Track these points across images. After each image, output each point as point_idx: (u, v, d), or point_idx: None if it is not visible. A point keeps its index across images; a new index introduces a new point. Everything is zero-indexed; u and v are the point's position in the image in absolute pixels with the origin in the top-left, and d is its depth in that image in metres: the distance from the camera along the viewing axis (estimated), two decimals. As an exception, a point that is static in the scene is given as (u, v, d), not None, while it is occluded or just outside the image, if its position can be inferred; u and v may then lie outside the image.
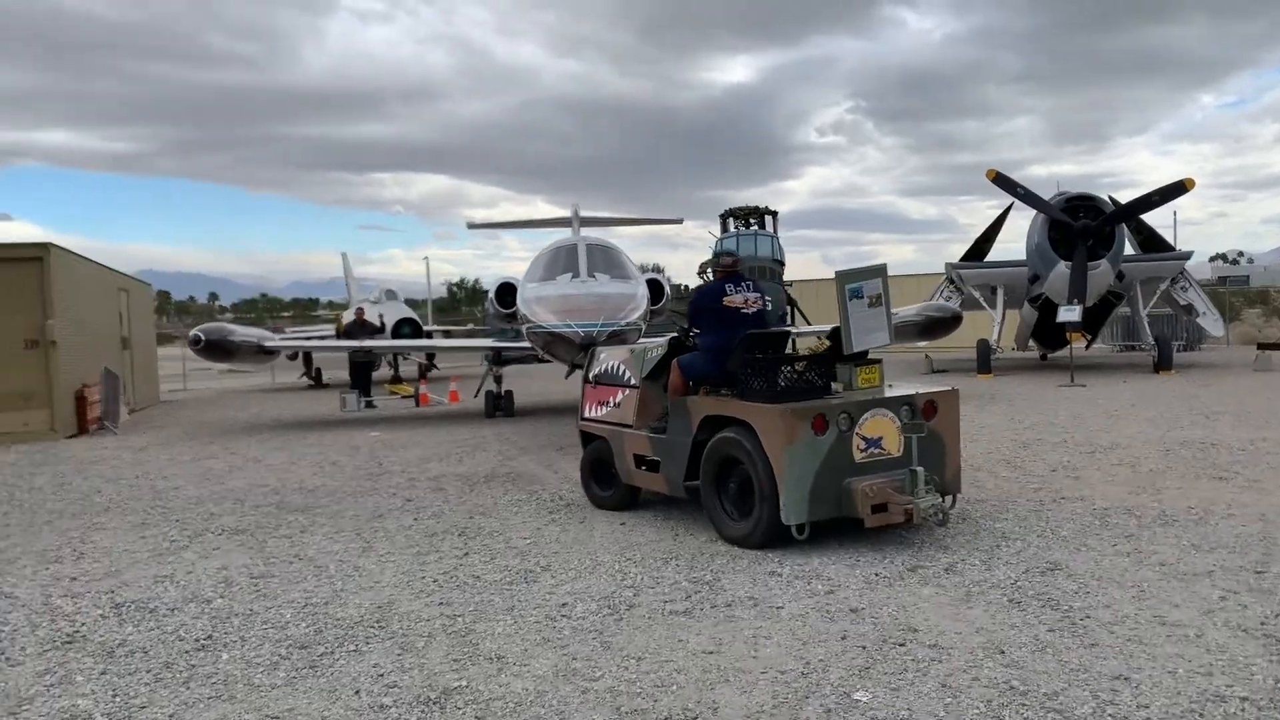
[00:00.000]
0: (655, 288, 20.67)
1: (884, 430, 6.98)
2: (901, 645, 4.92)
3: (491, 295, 19.13)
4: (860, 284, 7.50)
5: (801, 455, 6.66)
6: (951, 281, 24.69)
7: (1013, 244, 23.42)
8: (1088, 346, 27.42)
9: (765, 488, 6.75)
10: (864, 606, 5.55)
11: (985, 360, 22.64)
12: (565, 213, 24.44)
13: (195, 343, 16.79)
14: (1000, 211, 25.22)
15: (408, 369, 27.24)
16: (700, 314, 7.86)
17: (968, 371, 23.12)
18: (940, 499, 6.89)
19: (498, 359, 18.03)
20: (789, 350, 7.84)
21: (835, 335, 7.56)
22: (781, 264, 28.50)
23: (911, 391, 7.38)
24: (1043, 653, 4.73)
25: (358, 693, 4.59)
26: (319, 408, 20.47)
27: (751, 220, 30.95)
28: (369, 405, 20.02)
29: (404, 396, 21.23)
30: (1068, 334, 20.43)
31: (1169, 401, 15.45)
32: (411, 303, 33.32)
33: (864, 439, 6.89)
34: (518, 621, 5.53)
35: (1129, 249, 23.48)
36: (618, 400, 8.52)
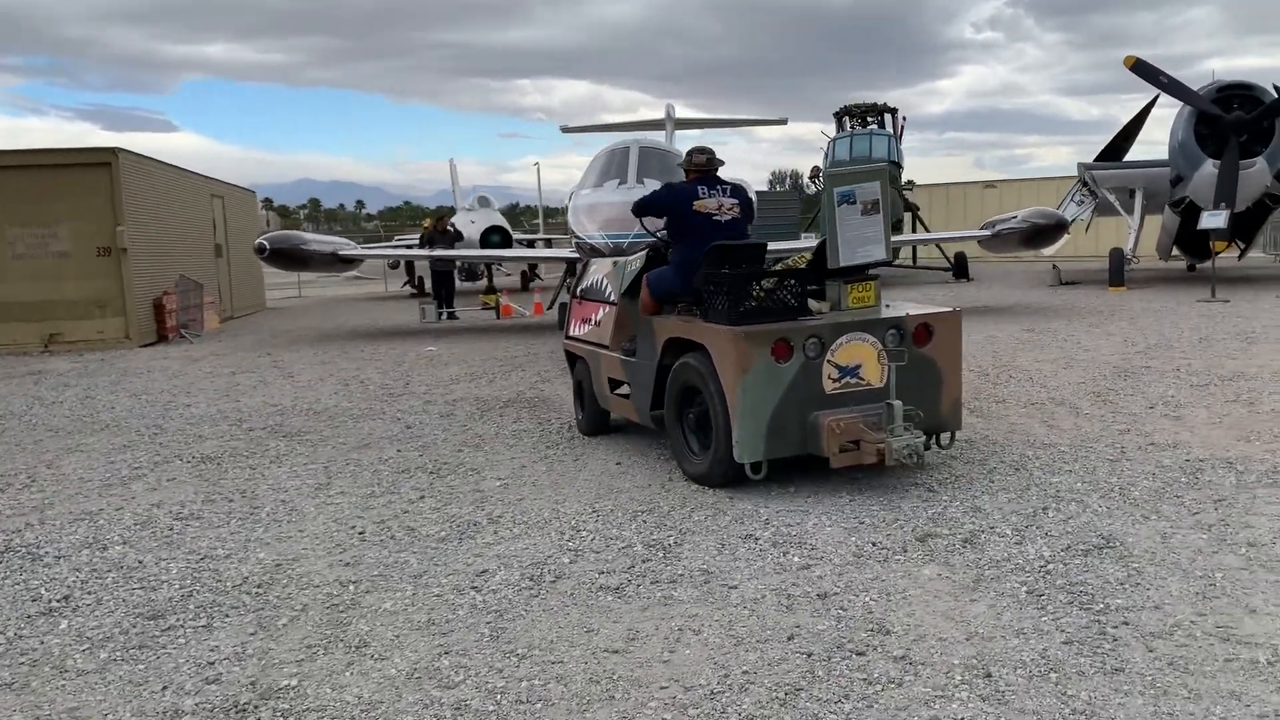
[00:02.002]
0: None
1: (863, 357, 5.97)
2: (860, 655, 3.77)
3: None
4: (852, 187, 6.28)
5: (758, 385, 5.76)
6: (1085, 184, 22.31)
7: (1158, 144, 20.92)
8: (1240, 257, 24.67)
9: (721, 420, 5.89)
10: (838, 591, 4.40)
11: (1118, 272, 20.45)
12: (670, 115, 23.10)
13: (260, 251, 16.38)
14: (1144, 105, 22.52)
15: (509, 279, 26.60)
16: (664, 211, 6.78)
17: (1100, 283, 21.00)
18: (922, 438, 5.78)
19: (572, 269, 17.06)
20: (768, 265, 6.60)
21: (822, 249, 6.39)
22: (899, 166, 26.49)
23: (902, 313, 6.26)
24: (1043, 680, 3.51)
25: (164, 689, 3.74)
26: (406, 317, 19.99)
27: (869, 118, 28.86)
28: (451, 316, 19.41)
29: (486, 308, 20.56)
30: (1211, 243, 18.07)
31: (1323, 322, 13.34)
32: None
33: (838, 367, 5.90)
34: (416, 594, 4.59)
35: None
36: (598, 318, 7.58)
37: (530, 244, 30.02)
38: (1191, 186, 18.96)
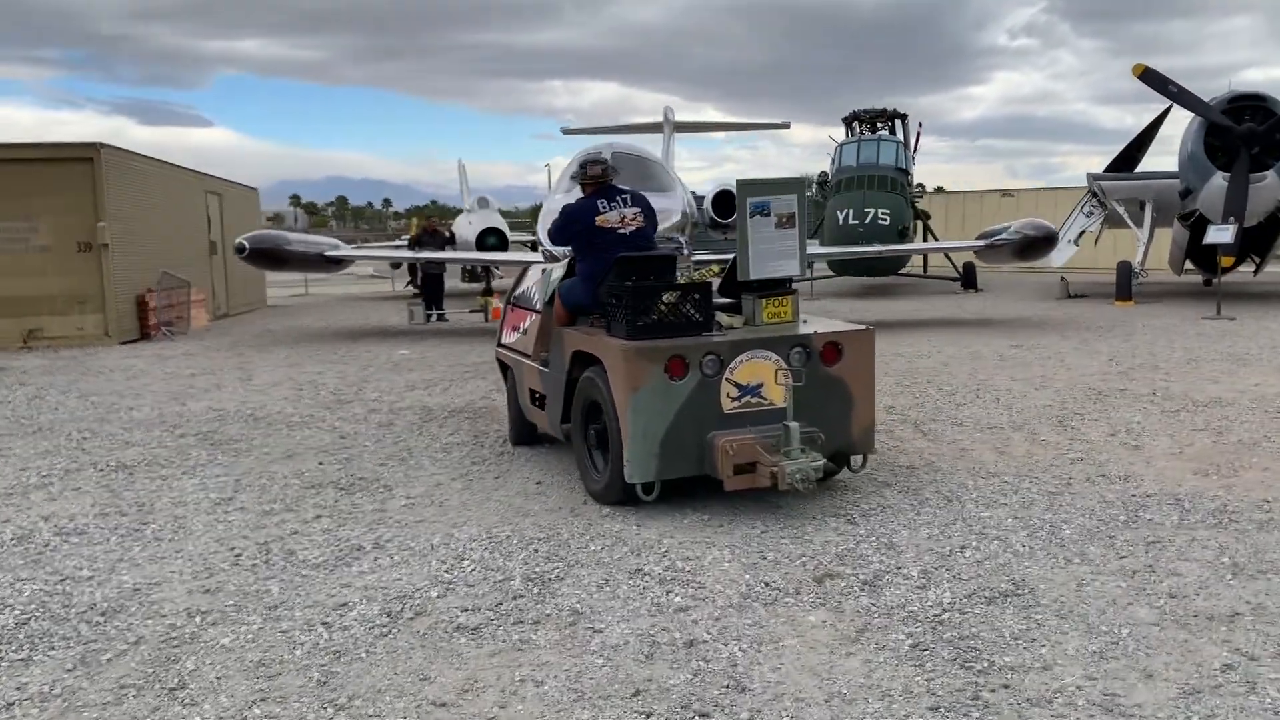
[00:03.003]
0: (727, 201, 18.97)
1: (764, 375, 5.72)
2: (703, 717, 3.42)
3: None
4: (767, 199, 6.03)
5: (649, 402, 5.55)
6: (1094, 194, 21.73)
7: (1171, 154, 20.27)
8: (1256, 272, 24.00)
9: (617, 438, 5.65)
10: (708, 639, 4.05)
11: (1125, 286, 19.86)
12: (669, 118, 22.78)
13: (240, 251, 16.16)
14: (1157, 115, 21.92)
15: (505, 282, 26.32)
16: (571, 238, 6.52)
17: (1109, 297, 20.44)
18: (820, 462, 5.46)
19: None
20: (681, 277, 6.30)
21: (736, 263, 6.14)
22: (906, 173, 25.98)
23: (809, 330, 5.98)
24: (890, 754, 3.15)
25: (-58, 735, 3.45)
26: (400, 318, 19.75)
27: (880, 124, 28.34)
28: (440, 318, 19.15)
29: (474, 310, 20.29)
30: (1219, 258, 17.51)
31: (1326, 343, 12.80)
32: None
33: (737, 385, 5.65)
34: (262, 629, 4.29)
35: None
36: (525, 326, 7.29)
37: (533, 246, 29.72)
38: (1201, 199, 18.39)
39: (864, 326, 6.17)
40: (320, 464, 7.29)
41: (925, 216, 28.52)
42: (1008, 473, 6.53)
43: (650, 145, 22.16)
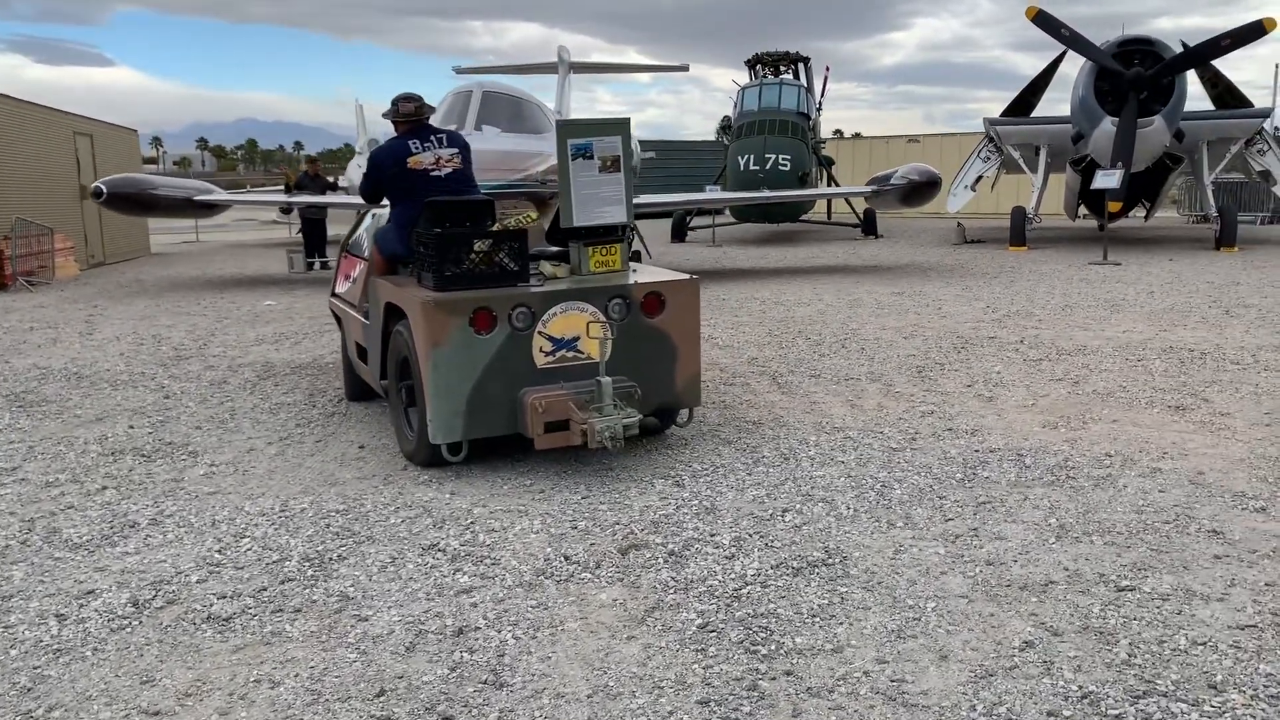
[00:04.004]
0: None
1: (580, 329, 5.40)
2: (446, 720, 3.05)
3: None
4: (589, 140, 5.64)
5: (453, 358, 5.23)
6: (991, 139, 21.67)
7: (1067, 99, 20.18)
8: (1147, 217, 24.34)
9: (422, 396, 5.32)
10: (481, 625, 3.67)
11: (1019, 231, 19.96)
12: (564, 58, 22.02)
13: (97, 195, 15.18)
14: (1053, 58, 21.83)
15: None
16: (380, 183, 6.04)
17: (1004, 242, 20.48)
18: (635, 418, 5.17)
19: None
20: (498, 223, 5.86)
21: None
22: (807, 117, 25.62)
23: (628, 280, 5.66)
24: (639, 760, 2.82)
25: None
26: (278, 266, 18.91)
27: (783, 67, 27.91)
28: (324, 265, 18.38)
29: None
30: (1106, 203, 17.58)
31: (1202, 289, 12.85)
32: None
33: (551, 339, 5.34)
34: (-17, 623, 3.79)
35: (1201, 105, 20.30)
36: (355, 274, 6.83)
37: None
38: (1091, 144, 18.40)
39: (688, 276, 5.85)
40: (131, 427, 6.73)
41: (829, 163, 28.30)
42: (853, 427, 6.27)
43: (548, 86, 21.53)
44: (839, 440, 5.98)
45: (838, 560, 4.17)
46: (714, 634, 3.55)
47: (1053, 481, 5.16)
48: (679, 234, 24.54)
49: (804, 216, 26.04)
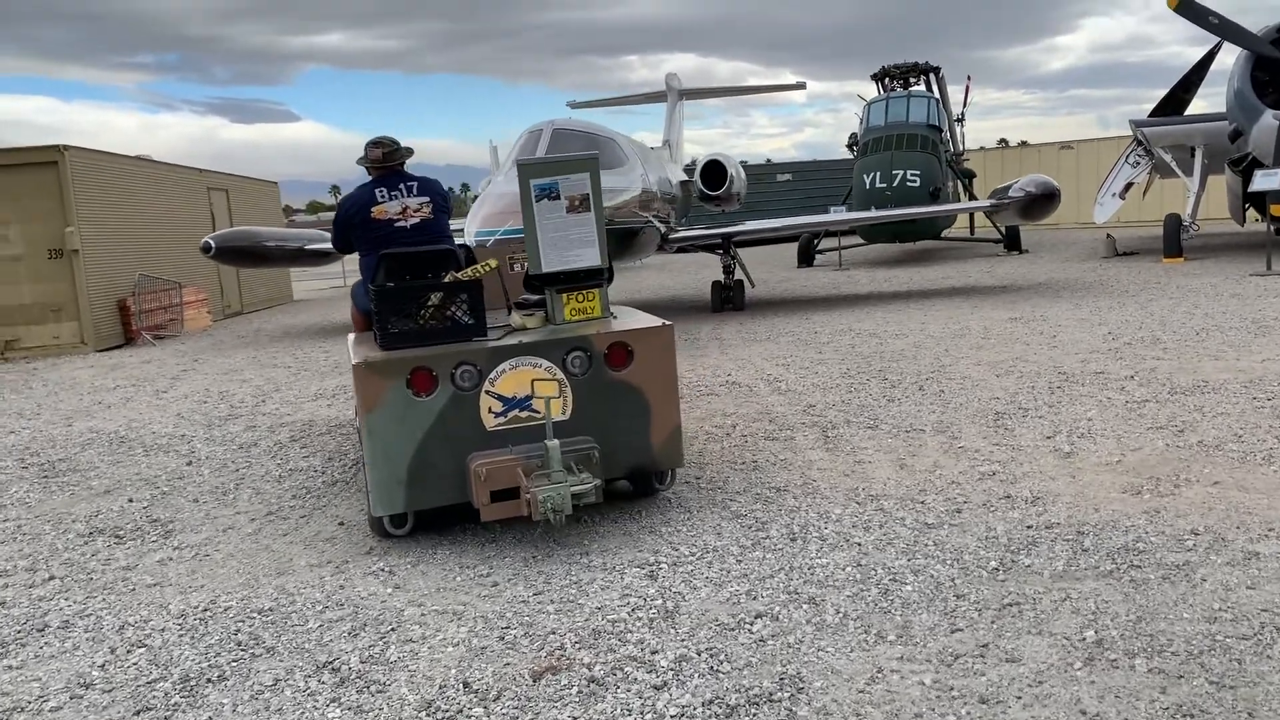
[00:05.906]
0: (717, 172, 17.61)
1: (535, 386, 4.87)
2: None
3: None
4: (554, 180, 5.05)
5: (389, 423, 4.79)
6: (1139, 143, 19.83)
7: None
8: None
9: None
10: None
11: (1174, 241, 18.06)
12: (672, 85, 21.50)
13: (205, 250, 15.51)
14: (1208, 50, 19.84)
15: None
16: (347, 233, 5.54)
17: (1159, 253, 18.62)
18: (590, 484, 4.57)
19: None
20: (465, 274, 5.23)
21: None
22: (939, 130, 24.23)
23: (589, 331, 5.05)
24: None
25: None
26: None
27: (912, 79, 26.55)
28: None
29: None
30: (1269, 207, 15.67)
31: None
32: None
33: (501, 399, 4.89)
34: None
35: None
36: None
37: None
38: (1251, 141, 16.51)
39: (661, 323, 5.19)
40: (130, 501, 6.44)
41: (969, 176, 26.74)
42: (892, 495, 5.34)
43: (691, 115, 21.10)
44: (867, 514, 5.07)
45: (787, 695, 3.32)
46: None
47: (1109, 572, 4.14)
48: (806, 258, 23.58)
49: (945, 233, 24.62)
